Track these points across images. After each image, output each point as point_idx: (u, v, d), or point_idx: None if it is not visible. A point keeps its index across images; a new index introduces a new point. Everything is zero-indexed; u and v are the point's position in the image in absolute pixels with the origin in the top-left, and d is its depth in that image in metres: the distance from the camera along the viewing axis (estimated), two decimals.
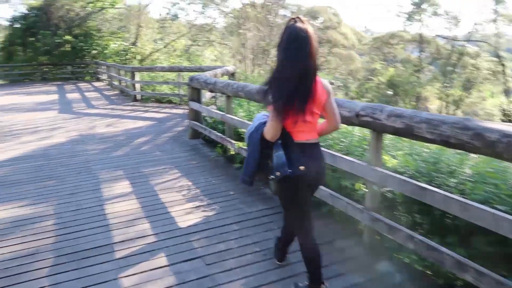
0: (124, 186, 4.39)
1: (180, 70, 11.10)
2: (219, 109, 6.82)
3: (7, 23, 25.47)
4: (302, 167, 1.99)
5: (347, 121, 2.84)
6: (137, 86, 12.08)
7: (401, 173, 2.76)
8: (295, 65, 1.91)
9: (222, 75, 8.34)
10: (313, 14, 24.18)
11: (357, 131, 4.17)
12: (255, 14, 17.38)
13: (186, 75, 12.41)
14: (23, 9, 25.52)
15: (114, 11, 24.17)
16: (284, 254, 2.72)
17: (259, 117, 2.23)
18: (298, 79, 1.91)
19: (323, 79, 2.09)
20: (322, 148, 3.31)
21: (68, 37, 22.53)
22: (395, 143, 3.77)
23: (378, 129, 2.61)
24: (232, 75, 9.42)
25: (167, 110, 10.23)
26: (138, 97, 12.01)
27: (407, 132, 2.35)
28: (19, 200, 4.05)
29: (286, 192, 2.13)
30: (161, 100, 11.67)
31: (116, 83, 15.31)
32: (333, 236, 3.12)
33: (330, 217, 3.44)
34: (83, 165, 5.28)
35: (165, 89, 12.24)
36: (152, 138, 6.93)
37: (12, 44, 23.72)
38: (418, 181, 2.50)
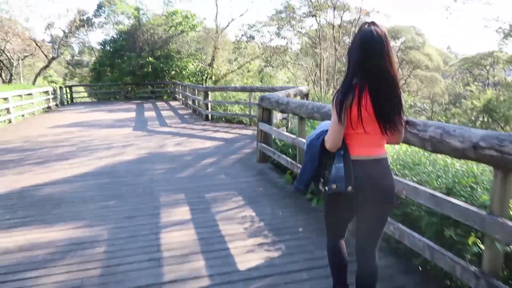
0: (183, 212, 4.04)
1: (252, 90, 10.89)
2: (290, 131, 6.34)
3: (99, 47, 27.92)
4: (350, 188, 1.83)
5: (459, 154, 2.16)
6: (209, 105, 12.11)
7: None
8: (369, 67, 1.75)
9: (295, 95, 7.88)
10: (394, 34, 22.91)
11: (456, 163, 3.42)
12: (332, 34, 16.85)
13: (258, 96, 12.23)
14: (113, 34, 27.84)
15: (194, 34, 25.27)
16: None
17: (322, 125, 2.09)
18: (371, 84, 1.76)
19: None
20: (419, 186, 2.65)
21: (150, 59, 23.92)
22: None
23: (509, 167, 1.91)
24: (305, 96, 8.93)
25: (236, 130, 10.01)
26: (210, 116, 12.01)
27: None
28: (77, 220, 3.88)
29: (332, 208, 2.04)
30: (231, 120, 11.54)
31: (190, 102, 15.65)
32: None
33: (424, 273, 2.71)
34: (147, 186, 5.08)
35: (236, 109, 12.12)
36: (218, 159, 6.63)
37: (102, 65, 25.81)
38: None
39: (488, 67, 21.59)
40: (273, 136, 6.00)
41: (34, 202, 4.52)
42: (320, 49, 15.75)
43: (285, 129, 7.55)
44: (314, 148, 1.96)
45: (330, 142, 1.86)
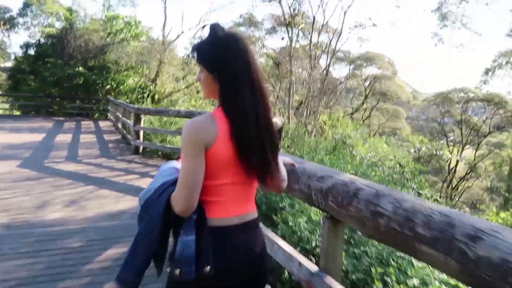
0: None
1: None
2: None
3: (20, 50, 23.54)
4: (207, 268, 1.15)
5: None
6: (141, 134, 8.88)
7: None
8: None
9: None
10: (365, 61, 21.02)
11: None
12: (308, 52, 14.38)
13: None
14: (41, 38, 23.67)
15: (137, 44, 21.84)
16: None
17: (164, 171, 1.31)
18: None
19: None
20: None
21: (81, 69, 20.11)
22: None
23: None
24: (278, 131, 6.10)
25: None
26: (141, 149, 8.78)
27: None
28: None
29: None
30: (171, 156, 8.41)
31: (120, 125, 12.29)
32: None
33: None
34: None
35: (178, 140, 9.02)
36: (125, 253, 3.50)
37: (21, 72, 21.45)
38: None
39: (462, 105, 20.07)
40: None
41: None
42: (291, 70, 13.03)
43: None
44: (154, 212, 1.19)
45: (181, 202, 1.14)
